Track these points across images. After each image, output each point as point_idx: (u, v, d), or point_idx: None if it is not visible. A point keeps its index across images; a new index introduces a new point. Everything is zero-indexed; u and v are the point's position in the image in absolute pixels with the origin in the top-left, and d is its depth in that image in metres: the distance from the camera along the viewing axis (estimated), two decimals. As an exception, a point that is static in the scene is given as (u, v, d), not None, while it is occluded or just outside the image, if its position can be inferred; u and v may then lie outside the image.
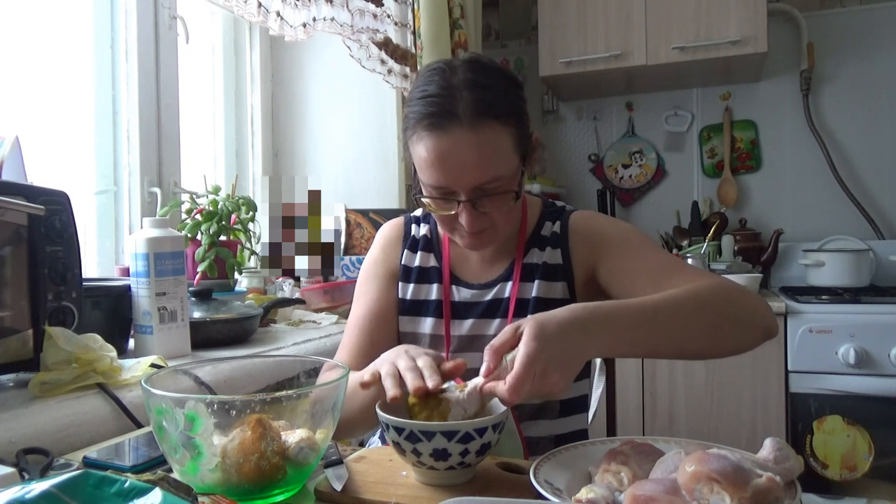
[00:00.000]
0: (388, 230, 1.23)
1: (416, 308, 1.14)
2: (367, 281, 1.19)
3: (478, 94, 0.94)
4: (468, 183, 0.95)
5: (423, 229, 1.19)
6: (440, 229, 1.14)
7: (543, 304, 1.07)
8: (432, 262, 1.16)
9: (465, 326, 1.10)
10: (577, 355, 0.76)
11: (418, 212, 1.23)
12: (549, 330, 0.74)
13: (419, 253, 1.17)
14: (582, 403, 1.16)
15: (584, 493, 0.62)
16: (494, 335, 1.07)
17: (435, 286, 1.14)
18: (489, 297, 1.11)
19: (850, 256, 2.43)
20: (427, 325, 1.12)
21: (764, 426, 2.12)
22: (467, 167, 0.94)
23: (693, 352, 0.92)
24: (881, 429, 2.00)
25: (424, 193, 1.01)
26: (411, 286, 1.15)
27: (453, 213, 0.98)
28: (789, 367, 2.10)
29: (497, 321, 1.09)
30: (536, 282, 1.08)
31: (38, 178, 1.32)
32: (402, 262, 1.17)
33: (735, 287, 0.93)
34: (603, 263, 1.06)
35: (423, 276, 1.16)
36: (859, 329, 2.02)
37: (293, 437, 0.69)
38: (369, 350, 1.13)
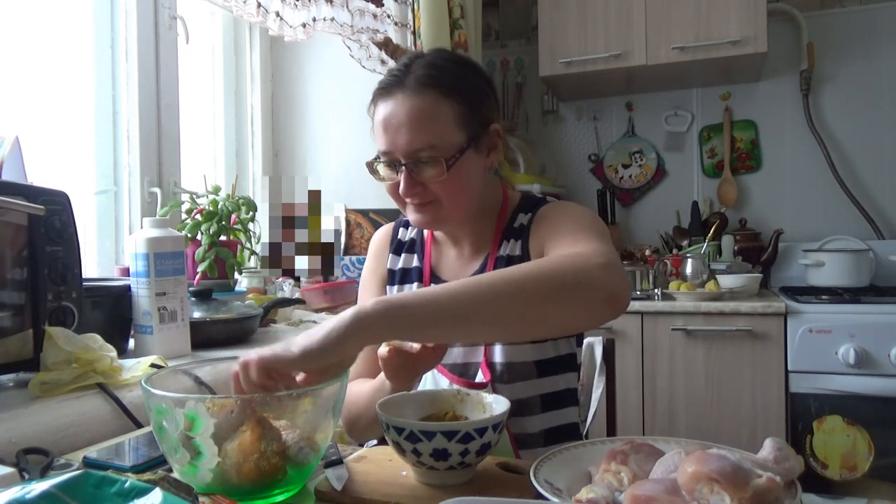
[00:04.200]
0: (378, 237, 1.27)
1: None
2: (364, 292, 1.25)
3: (427, 70, 1.02)
4: (404, 146, 1.00)
5: (411, 232, 1.23)
6: (397, 205, 1.13)
7: None
8: (415, 262, 1.19)
9: None
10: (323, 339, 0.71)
11: None
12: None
13: (403, 255, 1.21)
14: (570, 397, 1.16)
15: (584, 493, 0.62)
16: None
17: (415, 285, 1.17)
18: None
19: (850, 256, 2.43)
20: None
21: (764, 426, 2.12)
22: (404, 130, 1.00)
23: (509, 335, 0.89)
24: (881, 429, 2.00)
25: (375, 160, 1.06)
26: (395, 288, 1.19)
27: (397, 181, 1.03)
28: (789, 367, 2.10)
29: None
30: None
31: (38, 178, 1.32)
32: (389, 267, 1.22)
33: (576, 258, 0.82)
34: (545, 247, 1.04)
35: (405, 277, 1.19)
36: (859, 329, 2.02)
37: (293, 437, 0.69)
38: (368, 358, 1.15)
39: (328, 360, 0.71)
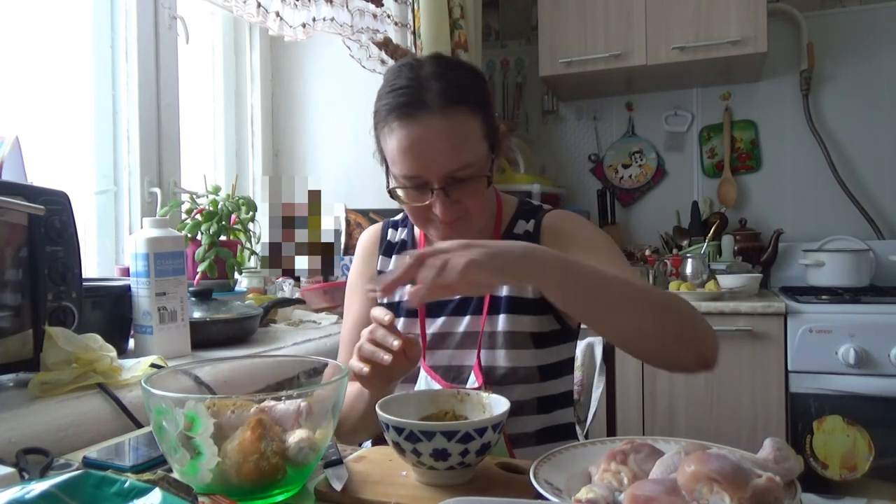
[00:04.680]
0: (366, 238, 1.24)
1: (391, 310, 1.14)
2: (351, 295, 1.22)
3: (445, 83, 0.97)
4: (440, 170, 0.97)
5: (402, 233, 1.20)
6: (415, 225, 1.14)
7: (516, 302, 1.08)
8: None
9: (437, 324, 1.11)
10: (508, 268, 0.76)
11: (399, 216, 1.23)
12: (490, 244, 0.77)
13: (394, 257, 1.19)
14: (566, 399, 1.16)
15: (584, 493, 0.62)
16: (463, 332, 1.09)
17: (408, 287, 1.14)
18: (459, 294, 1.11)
19: (850, 256, 2.43)
20: (399, 325, 1.13)
21: (764, 426, 2.12)
22: (439, 154, 0.96)
23: (634, 344, 0.89)
24: (881, 429, 2.00)
25: (397, 187, 1.02)
26: None
27: (427, 203, 0.99)
28: (789, 367, 2.10)
29: (467, 318, 1.10)
30: None
31: (38, 178, 1.32)
32: (378, 269, 1.19)
33: (694, 309, 0.90)
34: None
35: None
36: (859, 329, 2.02)
37: (293, 437, 0.69)
38: None
39: (511, 283, 0.81)
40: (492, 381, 1.06)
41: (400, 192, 1.02)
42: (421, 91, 0.96)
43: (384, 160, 1.04)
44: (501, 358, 1.07)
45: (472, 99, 0.99)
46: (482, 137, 1.00)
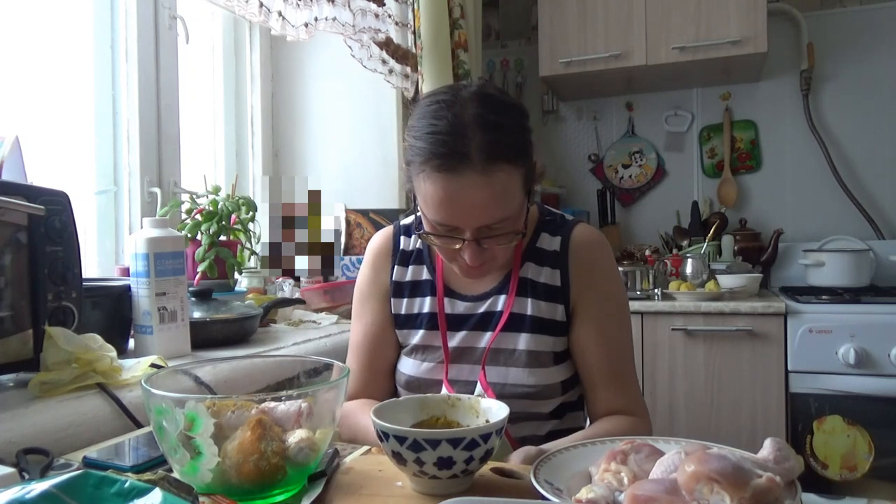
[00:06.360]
0: (377, 245, 1.21)
1: (410, 321, 1.15)
2: (362, 303, 1.20)
3: (490, 136, 0.92)
4: (475, 223, 0.95)
5: (415, 242, 1.18)
6: (446, 260, 1.12)
7: (543, 323, 1.07)
8: (425, 274, 1.15)
9: (457, 338, 1.10)
10: None
11: (409, 219, 1.21)
12: None
13: (411, 267, 1.16)
14: (579, 403, 1.16)
15: (584, 493, 0.62)
16: (484, 347, 1.07)
17: (428, 299, 1.13)
18: (482, 309, 1.10)
19: (850, 256, 2.43)
20: (417, 336, 1.13)
21: (764, 426, 2.12)
22: (476, 210, 0.93)
23: None
24: (881, 429, 2.00)
25: (427, 227, 1.00)
26: (405, 301, 1.15)
27: (456, 247, 0.98)
28: (789, 367, 2.10)
29: (488, 334, 1.08)
30: (535, 301, 1.08)
31: (38, 178, 1.32)
32: (393, 279, 1.17)
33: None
34: (581, 305, 1.08)
35: (415, 289, 1.15)
36: (859, 329, 2.02)
37: (293, 437, 0.69)
38: (369, 372, 1.15)
39: None
40: (514, 398, 1.04)
41: (429, 235, 1.00)
42: (463, 141, 0.91)
43: (415, 196, 1.02)
44: (524, 376, 1.06)
45: (516, 153, 0.95)
46: (521, 189, 0.98)
